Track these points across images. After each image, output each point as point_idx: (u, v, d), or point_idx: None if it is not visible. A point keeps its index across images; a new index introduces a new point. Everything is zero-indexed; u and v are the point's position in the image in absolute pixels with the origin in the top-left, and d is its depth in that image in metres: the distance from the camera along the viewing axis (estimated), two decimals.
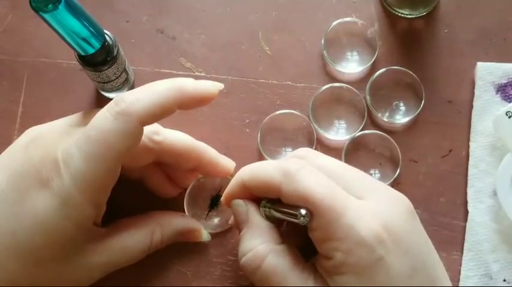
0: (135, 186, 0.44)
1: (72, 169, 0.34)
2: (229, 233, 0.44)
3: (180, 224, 0.42)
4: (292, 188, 0.34)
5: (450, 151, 0.46)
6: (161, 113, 0.36)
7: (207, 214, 0.44)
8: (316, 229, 0.33)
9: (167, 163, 0.42)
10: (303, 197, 0.33)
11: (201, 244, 0.44)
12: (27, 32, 0.49)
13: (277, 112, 0.46)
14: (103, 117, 0.34)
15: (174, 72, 0.48)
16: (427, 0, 0.47)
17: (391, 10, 0.48)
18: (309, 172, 0.34)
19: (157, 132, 0.41)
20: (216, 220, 0.44)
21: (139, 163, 0.41)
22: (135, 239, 0.39)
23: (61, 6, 0.34)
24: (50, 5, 0.34)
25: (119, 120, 0.34)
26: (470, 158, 0.45)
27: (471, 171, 0.45)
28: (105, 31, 0.41)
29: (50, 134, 0.38)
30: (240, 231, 0.38)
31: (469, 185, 0.44)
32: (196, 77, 0.47)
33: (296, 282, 0.34)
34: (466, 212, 0.44)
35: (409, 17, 0.48)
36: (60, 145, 0.36)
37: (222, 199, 0.40)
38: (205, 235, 0.43)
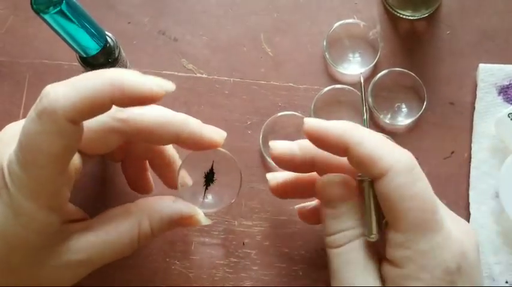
0: None
1: (14, 178, 0.32)
2: (231, 235, 0.44)
3: (170, 210, 0.37)
4: (412, 182, 0.33)
5: (452, 152, 0.46)
6: (91, 110, 0.31)
7: (204, 194, 0.39)
8: (401, 231, 0.33)
9: (140, 142, 0.38)
10: (419, 197, 0.33)
11: (203, 245, 0.43)
12: (29, 33, 0.49)
13: (279, 114, 0.46)
14: (29, 118, 0.31)
15: (176, 73, 0.48)
16: (429, 2, 0.47)
17: (393, 11, 0.48)
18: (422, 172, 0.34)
19: (121, 110, 0.36)
20: (210, 198, 0.40)
21: (107, 146, 0.37)
22: (119, 231, 0.36)
23: (62, 8, 0.34)
24: (51, 7, 0.34)
25: (42, 120, 0.30)
26: (472, 160, 0.45)
27: (473, 173, 0.45)
28: (107, 32, 0.41)
29: (3, 136, 0.35)
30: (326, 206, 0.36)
31: (471, 187, 0.44)
32: (198, 79, 0.47)
33: (367, 279, 0.34)
34: (468, 214, 0.44)
35: (411, 18, 0.48)
36: (9, 150, 0.33)
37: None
38: (203, 219, 0.38)
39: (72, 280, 0.36)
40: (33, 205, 0.32)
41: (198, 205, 0.38)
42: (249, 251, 0.44)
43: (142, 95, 0.32)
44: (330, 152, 0.36)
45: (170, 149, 0.41)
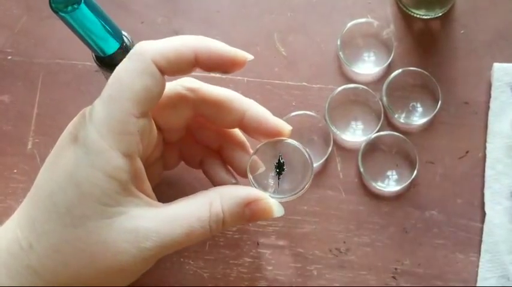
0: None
1: (93, 116, 0.33)
2: (246, 235, 0.44)
3: (241, 192, 0.36)
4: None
5: (467, 152, 0.45)
6: (175, 56, 0.35)
7: (278, 183, 0.39)
8: None
9: (207, 115, 0.39)
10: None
11: (218, 245, 0.43)
12: (42, 33, 0.49)
13: (293, 113, 0.46)
14: (121, 62, 0.34)
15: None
16: (443, 1, 0.47)
17: (407, 11, 0.48)
18: None
19: (193, 81, 0.39)
20: (286, 186, 0.39)
21: (177, 115, 0.39)
22: (190, 208, 0.35)
23: (81, 7, 0.33)
24: (70, 6, 0.33)
25: (131, 59, 0.34)
26: (487, 160, 0.45)
27: (488, 172, 0.44)
28: (123, 32, 0.40)
29: None
30: None
31: (486, 186, 0.44)
32: (212, 79, 0.47)
33: None
34: (483, 213, 0.44)
35: (425, 17, 0.48)
36: None
37: None
38: (276, 209, 0.37)
39: (138, 253, 0.33)
40: (105, 143, 0.33)
41: (269, 195, 0.37)
42: (263, 251, 0.44)
43: (226, 55, 0.36)
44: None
45: (240, 136, 0.41)
